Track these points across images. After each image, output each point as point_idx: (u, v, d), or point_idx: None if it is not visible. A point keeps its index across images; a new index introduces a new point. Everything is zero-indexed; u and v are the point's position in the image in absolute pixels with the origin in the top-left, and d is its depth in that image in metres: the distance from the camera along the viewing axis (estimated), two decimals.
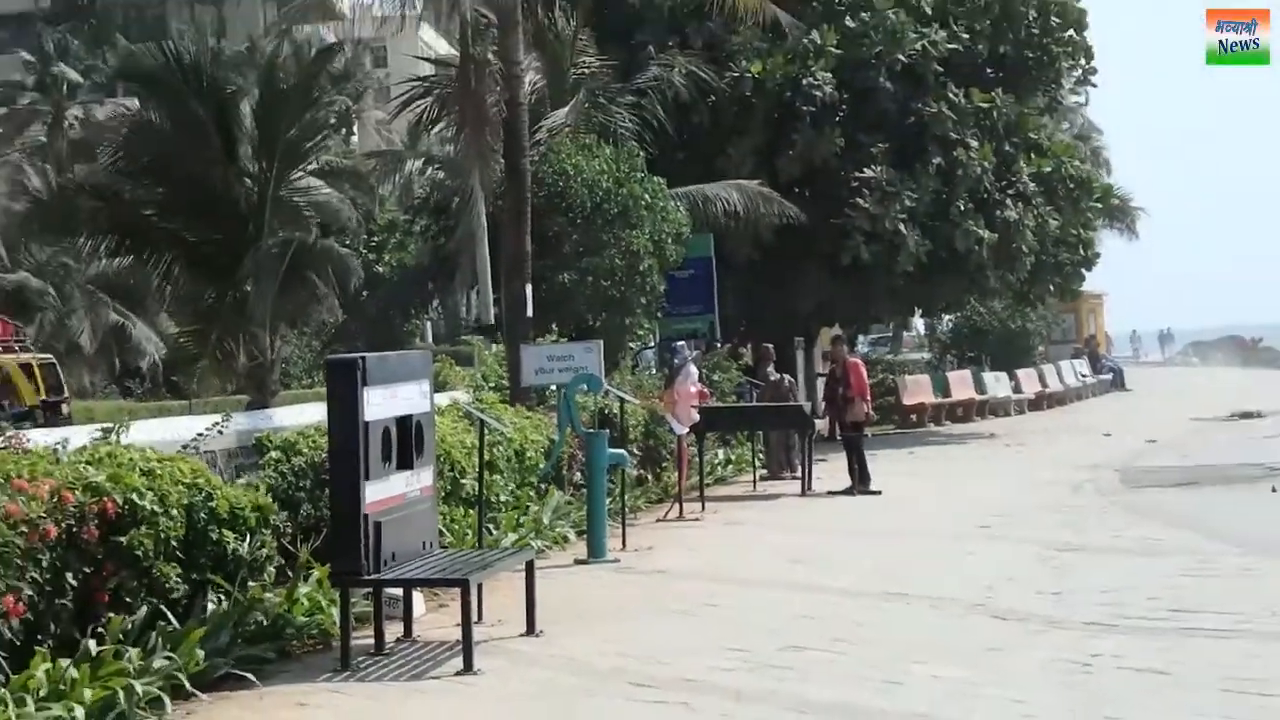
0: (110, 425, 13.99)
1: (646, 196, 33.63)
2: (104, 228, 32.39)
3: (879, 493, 26.87)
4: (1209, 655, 12.55)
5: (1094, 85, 49.90)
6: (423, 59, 60.37)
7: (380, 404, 13.13)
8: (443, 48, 53.87)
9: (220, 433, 14.10)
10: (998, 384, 56.90)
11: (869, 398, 29.84)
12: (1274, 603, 14.84)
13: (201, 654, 11.61)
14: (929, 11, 41.63)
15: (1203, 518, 22.84)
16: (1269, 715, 10.59)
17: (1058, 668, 12.21)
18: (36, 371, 23.14)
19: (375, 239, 53.33)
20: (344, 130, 65.38)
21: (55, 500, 11.22)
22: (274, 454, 15.37)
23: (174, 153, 29.23)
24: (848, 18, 40.77)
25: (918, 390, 51.40)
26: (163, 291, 39.29)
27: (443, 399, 20.45)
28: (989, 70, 42.77)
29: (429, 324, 56.66)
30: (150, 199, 30.05)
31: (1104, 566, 18.07)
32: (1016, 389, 57.85)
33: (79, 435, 14.05)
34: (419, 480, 13.91)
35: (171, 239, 30.44)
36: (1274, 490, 26.52)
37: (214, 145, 28.79)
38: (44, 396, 22.82)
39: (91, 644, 11.00)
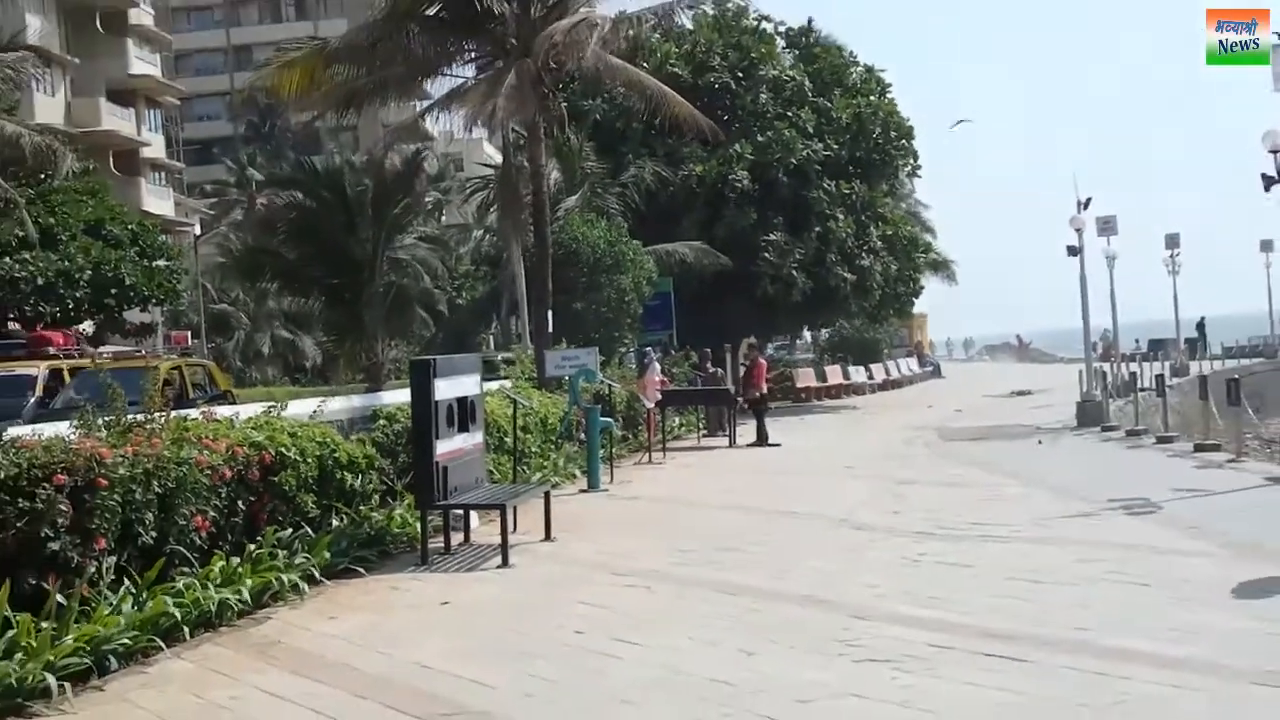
0: (272, 403, 13.78)
1: (629, 253, 33.92)
2: (277, 276, 32.32)
3: (779, 445, 26.77)
4: (997, 554, 12.42)
5: (920, 176, 49.91)
6: (483, 165, 60.19)
7: (446, 389, 13.14)
8: (499, 157, 53.91)
9: (323, 410, 13.87)
10: (858, 374, 57.04)
11: (766, 384, 30.06)
12: (1040, 518, 14.71)
13: (328, 554, 11.62)
14: (811, 130, 41.61)
15: (993, 461, 22.74)
16: (1036, 591, 10.42)
17: (897, 562, 12.07)
18: (184, 372, 22.58)
19: (455, 281, 53.30)
20: (437, 212, 65.59)
21: (230, 453, 11.14)
22: (381, 421, 15.28)
23: (319, 227, 29.12)
24: (758, 135, 40.74)
25: (805, 378, 51.50)
26: (314, 316, 39.39)
27: (493, 385, 20.27)
28: (850, 168, 42.78)
29: (492, 336, 56.60)
30: (304, 257, 29.96)
31: (927, 494, 17.88)
32: (870, 377, 57.97)
33: (253, 409, 13.79)
34: (473, 439, 13.94)
35: (318, 283, 30.41)
36: (1039, 443, 26.58)
37: (343, 221, 28.65)
38: (196, 391, 22.23)
39: (253, 548, 10.97)
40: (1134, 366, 32.04)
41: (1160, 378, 30.39)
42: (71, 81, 59.83)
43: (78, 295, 37.53)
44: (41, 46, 51.35)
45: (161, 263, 42.06)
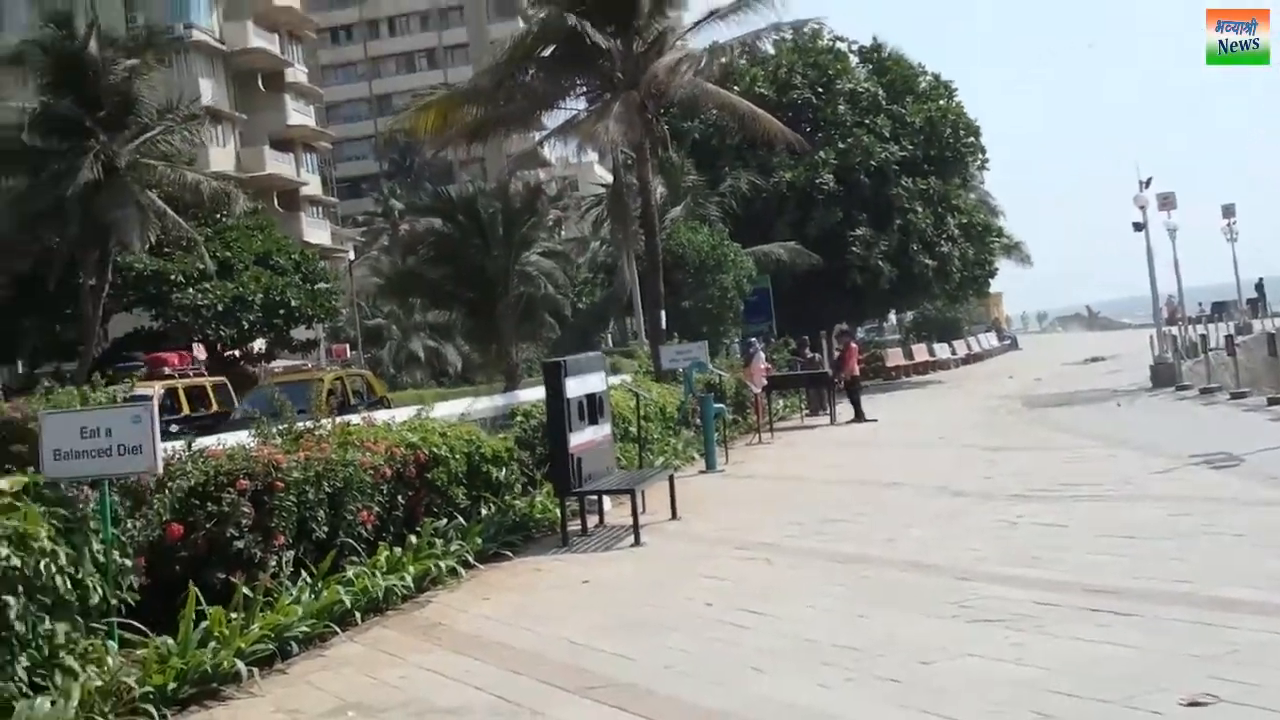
0: (422, 406, 13.69)
1: (730, 255, 33.58)
2: (422, 292, 32.51)
3: (875, 420, 26.09)
4: (1090, 513, 11.79)
5: (988, 169, 48.82)
6: (596, 184, 60.08)
7: (575, 387, 12.89)
8: (609, 177, 53.79)
9: (469, 411, 13.73)
10: (942, 350, 56.02)
11: (859, 365, 29.28)
12: (1126, 476, 14.02)
13: (479, 541, 11.34)
14: (887, 134, 40.94)
15: (1075, 424, 21.86)
16: (1132, 547, 9.84)
17: (995, 525, 11.50)
18: (345, 383, 22.53)
19: (576, 288, 53.11)
20: (558, 228, 65.67)
21: (389, 453, 10.99)
22: (519, 417, 15.12)
23: (456, 247, 29.20)
24: (839, 142, 40.16)
25: (894, 357, 50.75)
26: (456, 326, 39.52)
27: (615, 380, 19.92)
28: (925, 165, 41.91)
29: (610, 335, 56.40)
30: (445, 275, 30.02)
31: (1017, 458, 17.17)
32: (954, 353, 56.92)
33: (406, 412, 13.70)
34: (602, 431, 13.65)
35: (457, 297, 30.49)
36: (1118, 405, 25.54)
37: (477, 242, 28.62)
38: (355, 399, 22.09)
39: (413, 538, 10.78)
40: (1201, 329, 30.81)
41: (1230, 338, 29.02)
42: (239, 134, 60.78)
43: (251, 318, 38.00)
44: (214, 107, 52.36)
45: (322, 286, 42.47)
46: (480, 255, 28.50)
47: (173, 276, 36.31)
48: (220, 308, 36.92)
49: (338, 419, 11.81)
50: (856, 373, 28.74)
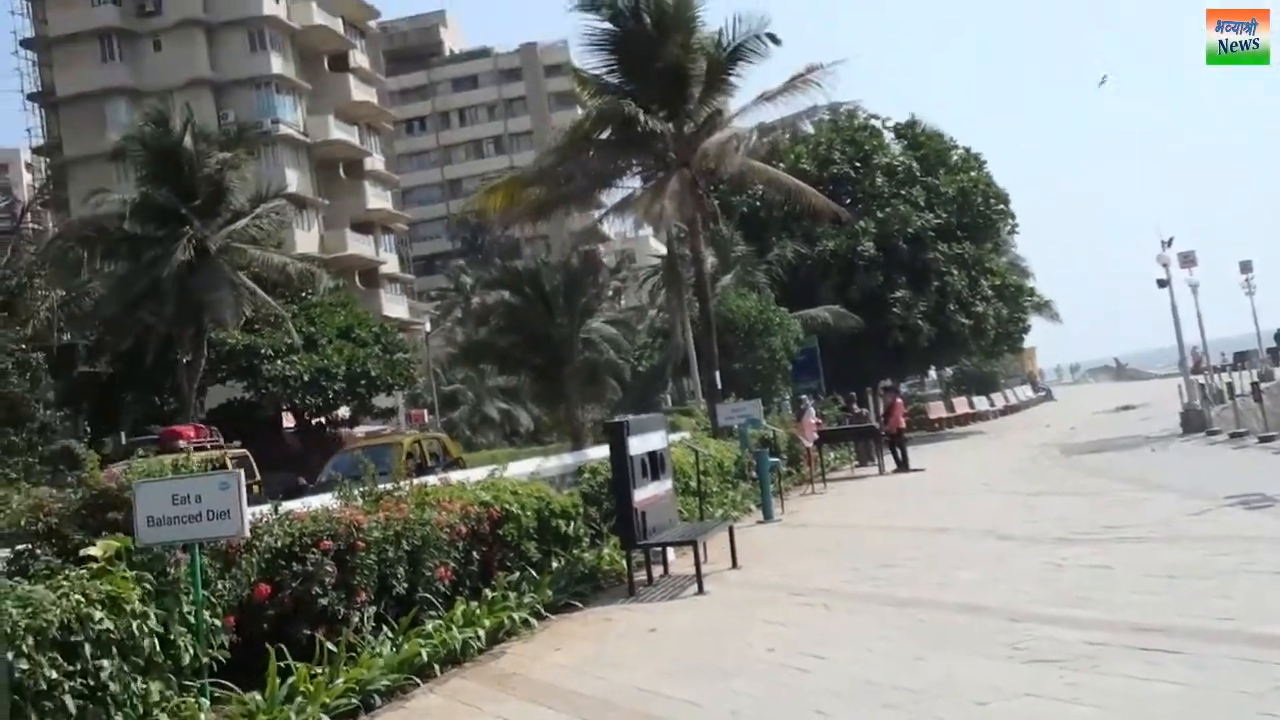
0: (495, 466, 13.58)
1: (777, 319, 33.39)
2: (492, 359, 32.61)
3: (921, 470, 25.67)
4: (1133, 554, 11.46)
5: (1018, 233, 48.37)
6: (652, 256, 60.28)
7: (638, 445, 12.67)
8: (664, 249, 53.93)
9: (540, 470, 13.56)
10: (981, 403, 55.33)
11: (903, 418, 28.76)
12: (1165, 518, 13.66)
13: (550, 593, 11.14)
14: (922, 204, 40.90)
15: (1111, 469, 21.37)
16: (1176, 586, 9.52)
17: (1042, 568, 11.17)
18: (422, 445, 22.02)
19: (637, 352, 52.95)
20: (618, 297, 65.85)
21: (464, 512, 10.88)
22: (586, 474, 14.91)
23: (523, 318, 29.19)
24: (878, 212, 40.11)
25: (936, 410, 50.19)
26: (525, 390, 39.54)
27: (675, 437, 19.73)
28: (959, 231, 41.72)
29: (669, 395, 56.12)
30: (513, 343, 30.11)
31: (1058, 503, 16.79)
32: (992, 405, 56.21)
33: (479, 472, 13.57)
34: (664, 486, 13.42)
35: (525, 363, 30.52)
36: (1152, 450, 25.01)
37: (542, 312, 28.65)
38: (432, 461, 21.55)
39: (488, 592, 10.64)
40: (1227, 377, 30.17)
41: (1255, 385, 28.49)
42: (323, 218, 61.61)
43: (335, 388, 38.20)
44: (299, 194, 53.18)
45: (400, 356, 42.66)
46: (545, 324, 28.58)
47: (262, 350, 36.65)
48: (306, 378, 37.17)
49: (415, 480, 11.71)
50: (902, 425, 28.34)
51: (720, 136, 25.46)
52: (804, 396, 28.45)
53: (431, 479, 12.36)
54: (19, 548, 8.06)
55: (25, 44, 59.24)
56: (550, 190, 26.12)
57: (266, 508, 9.41)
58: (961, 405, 53.18)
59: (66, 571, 7.07)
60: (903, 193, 41.11)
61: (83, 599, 6.62)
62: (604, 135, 25.81)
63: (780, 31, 25.10)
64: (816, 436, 24.97)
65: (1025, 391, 67.41)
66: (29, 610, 6.32)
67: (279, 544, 8.64)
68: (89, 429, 35.42)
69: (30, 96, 59.41)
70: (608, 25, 24.30)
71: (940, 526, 15.47)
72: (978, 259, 41.93)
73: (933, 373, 69.56)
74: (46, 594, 6.54)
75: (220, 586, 7.91)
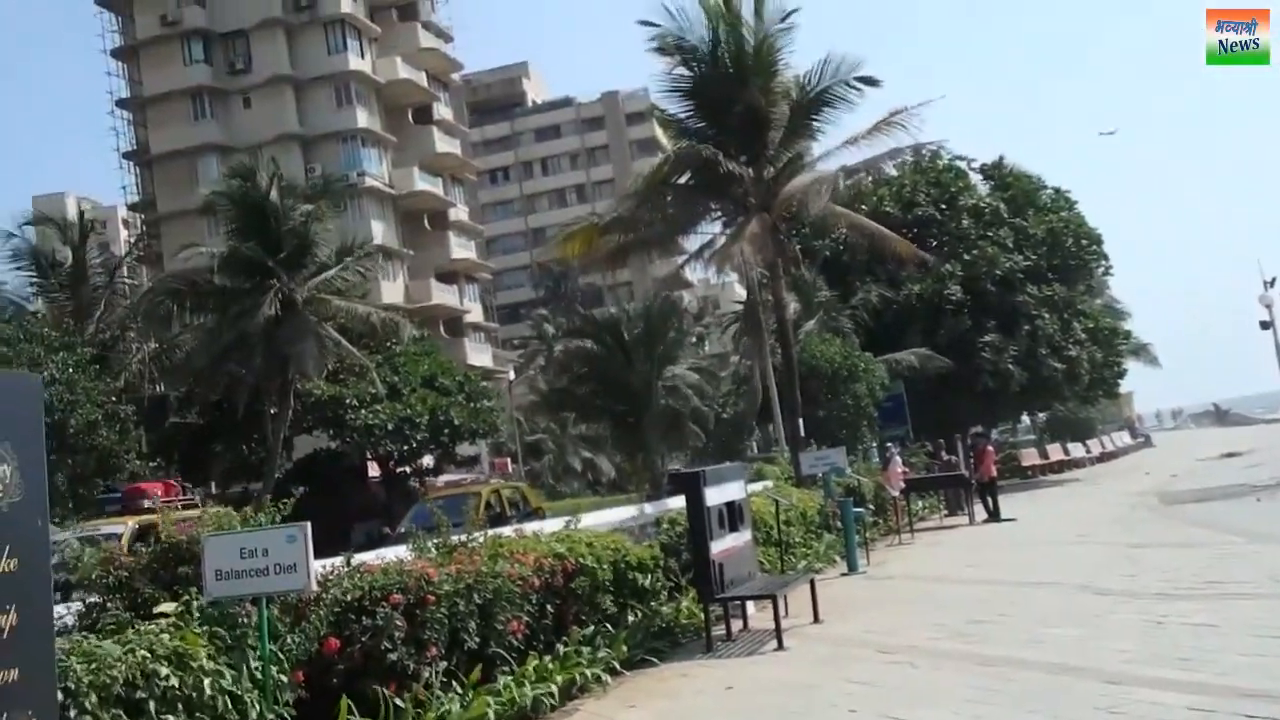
0: (570, 518, 13.41)
1: (862, 364, 32.98)
2: (572, 408, 32.57)
3: (1013, 519, 25.04)
4: (1240, 611, 10.90)
5: (1113, 275, 47.44)
6: (736, 302, 60.14)
7: (715, 495, 12.44)
8: (740, 295, 53.76)
9: (617, 520, 13.35)
10: (1076, 449, 54.05)
11: (994, 466, 28.19)
12: (1274, 573, 13.00)
13: (625, 648, 10.90)
14: (1011, 245, 40.23)
15: (1216, 520, 20.52)
16: None
17: (1141, 625, 10.69)
18: (501, 495, 21.82)
19: (721, 399, 52.64)
20: (701, 344, 65.67)
21: (537, 564, 10.66)
22: (665, 525, 14.67)
23: (602, 365, 29.16)
24: (964, 254, 39.51)
25: (1029, 457, 49.20)
26: (606, 438, 39.45)
27: (758, 486, 19.45)
28: (1050, 274, 40.96)
29: (755, 442, 55.71)
30: (592, 391, 30.00)
31: (1159, 556, 16.15)
32: (1088, 451, 54.85)
33: (555, 523, 13.42)
34: (743, 537, 13.16)
35: (605, 411, 30.39)
36: (1258, 500, 24.00)
37: (621, 360, 28.59)
38: (511, 511, 21.40)
39: (561, 646, 10.42)
40: None
41: None
42: (408, 268, 62.43)
43: (419, 436, 38.41)
44: (384, 245, 53.98)
45: (485, 403, 42.83)
46: (624, 371, 28.50)
47: (347, 400, 37.01)
48: (390, 427, 37.43)
49: (490, 531, 11.58)
50: (993, 473, 27.76)
51: (801, 180, 25.28)
52: (890, 444, 28.01)
53: (507, 530, 12.24)
54: (90, 601, 8.07)
55: (121, 104, 61.15)
56: (626, 236, 26.11)
57: (339, 560, 9.34)
58: (1056, 452, 52.01)
59: (135, 626, 7.04)
60: (990, 234, 40.50)
61: (149, 655, 6.57)
62: (682, 180, 25.76)
63: (870, 70, 24.75)
64: (903, 485, 24.50)
65: (1123, 437, 65.74)
66: (93, 666, 6.27)
67: (349, 597, 8.53)
68: (179, 479, 35.99)
69: (125, 155, 61.29)
70: (684, 70, 24.33)
71: (1033, 580, 14.94)
72: (1069, 301, 41.16)
73: (1025, 418, 68.29)
74: (113, 649, 6.50)
75: (289, 641, 7.82)
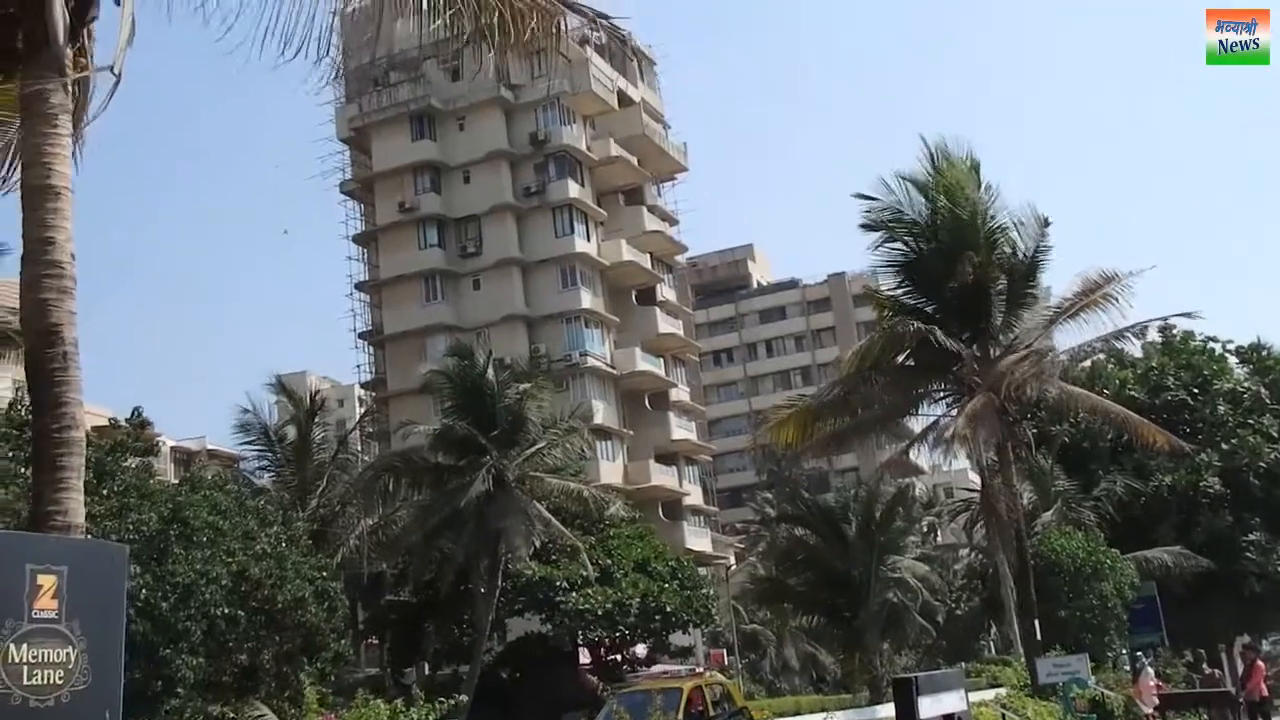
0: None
1: (1108, 561, 30.69)
2: (788, 598, 31.38)
3: None
4: None
5: None
6: (966, 489, 57.99)
7: (929, 706, 11.26)
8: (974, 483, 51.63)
9: None
10: None
11: (1266, 683, 25.35)
12: None
13: None
14: (1275, 435, 37.41)
15: None
16: None
17: None
18: (704, 691, 20.50)
19: (952, 594, 50.14)
20: (932, 533, 63.18)
21: None
22: None
23: (817, 555, 28.15)
24: (1221, 443, 37.00)
25: None
26: (822, 630, 37.92)
27: (989, 694, 17.85)
28: None
29: (993, 642, 52.66)
30: (807, 581, 28.88)
31: None
32: None
33: None
34: None
35: (820, 603, 29.17)
36: None
37: (838, 550, 27.47)
38: (715, 710, 20.12)
39: None
40: None
41: None
42: (627, 449, 62.72)
43: (629, 622, 37.69)
44: (604, 425, 54.57)
45: (700, 590, 41.85)
46: (840, 561, 27.27)
47: (558, 582, 36.75)
48: (600, 612, 36.88)
49: None
50: (1265, 691, 24.91)
51: (1016, 356, 24.12)
52: (1141, 652, 25.65)
53: None
54: None
55: (359, 286, 64.65)
56: (841, 420, 25.29)
57: None
58: None
59: None
60: (1250, 422, 37.89)
61: None
62: (900, 359, 24.92)
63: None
64: (1158, 701, 22.38)
65: None
66: None
67: None
68: (389, 658, 36.25)
69: (361, 335, 64.46)
70: (900, 245, 23.81)
71: None
72: None
73: None
74: None
75: None
